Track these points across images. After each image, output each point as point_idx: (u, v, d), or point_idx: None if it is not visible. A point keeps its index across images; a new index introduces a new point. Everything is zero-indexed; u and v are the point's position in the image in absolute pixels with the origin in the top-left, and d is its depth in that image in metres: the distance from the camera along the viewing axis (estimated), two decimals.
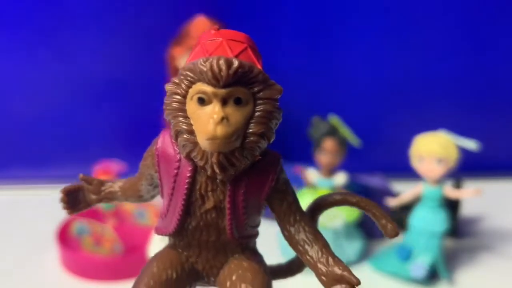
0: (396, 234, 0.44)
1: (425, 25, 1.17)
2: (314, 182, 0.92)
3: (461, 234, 1.02)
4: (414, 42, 1.18)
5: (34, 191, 1.20)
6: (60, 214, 0.98)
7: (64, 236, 0.92)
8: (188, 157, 0.39)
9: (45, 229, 0.97)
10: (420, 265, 0.86)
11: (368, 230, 1.00)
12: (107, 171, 0.94)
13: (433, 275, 0.88)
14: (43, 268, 0.91)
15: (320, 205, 0.46)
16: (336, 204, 0.45)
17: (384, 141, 1.25)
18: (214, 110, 0.36)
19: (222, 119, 0.36)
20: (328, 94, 1.21)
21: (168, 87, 0.39)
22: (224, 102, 0.36)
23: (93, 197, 0.47)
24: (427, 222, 0.87)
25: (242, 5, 1.13)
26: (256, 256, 0.44)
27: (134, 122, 1.19)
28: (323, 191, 0.91)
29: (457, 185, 1.00)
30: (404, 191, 0.93)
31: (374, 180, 1.13)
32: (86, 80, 1.18)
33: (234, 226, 0.41)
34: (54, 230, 0.94)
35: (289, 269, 0.50)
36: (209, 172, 0.38)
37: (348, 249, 0.92)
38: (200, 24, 0.99)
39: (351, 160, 0.96)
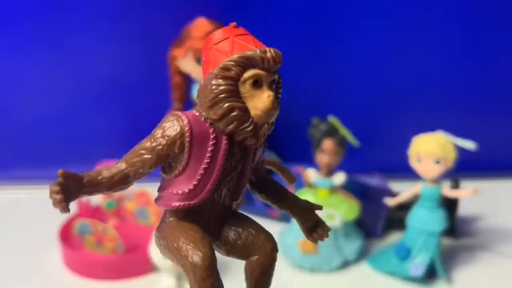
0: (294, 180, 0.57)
1: (423, 27, 1.18)
2: (313, 182, 0.93)
3: (458, 234, 1.03)
4: (412, 43, 1.19)
5: (36, 191, 1.21)
6: (62, 214, 0.99)
7: (66, 236, 0.93)
8: (233, 131, 0.44)
9: (48, 229, 0.98)
10: (418, 264, 0.87)
11: (366, 230, 1.00)
12: None
13: (431, 274, 0.89)
14: (45, 267, 0.92)
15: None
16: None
17: (383, 141, 1.25)
18: (268, 90, 0.44)
19: (273, 97, 0.44)
20: (328, 95, 1.22)
21: (219, 72, 0.44)
22: (269, 85, 0.45)
23: (74, 192, 0.43)
24: (425, 221, 0.88)
25: (242, 7, 1.14)
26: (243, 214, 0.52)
27: (135, 122, 1.19)
28: (322, 190, 0.92)
29: (455, 185, 1.01)
30: (403, 190, 0.94)
31: (373, 180, 1.14)
32: (87, 81, 1.19)
33: (243, 187, 0.49)
34: (56, 229, 0.95)
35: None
36: (253, 142, 0.45)
37: (346, 248, 0.93)
38: (200, 26, 1.00)
39: (350, 160, 0.97)
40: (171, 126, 0.44)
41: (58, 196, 0.40)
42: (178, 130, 0.44)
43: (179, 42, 1.02)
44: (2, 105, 1.21)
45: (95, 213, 0.98)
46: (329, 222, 0.87)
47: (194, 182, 0.45)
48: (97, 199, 0.99)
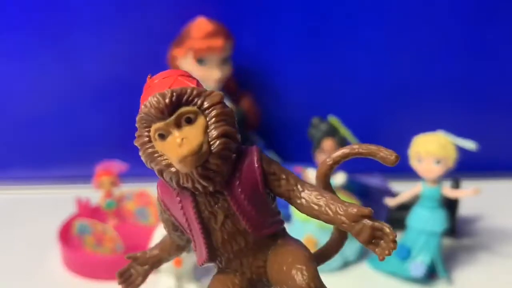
0: (397, 158, 0.45)
1: (423, 26, 1.18)
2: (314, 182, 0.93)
3: (459, 234, 1.03)
4: (413, 42, 1.19)
5: (36, 191, 1.21)
6: (61, 213, 0.99)
7: (66, 236, 0.93)
8: (180, 187, 0.42)
9: (47, 229, 0.97)
10: (419, 264, 0.87)
11: None
12: (109, 172, 0.95)
13: (431, 274, 0.89)
14: (45, 267, 0.92)
15: (326, 171, 0.48)
16: (340, 160, 0.49)
17: (383, 141, 1.24)
18: (173, 136, 0.40)
19: (182, 140, 0.40)
20: (328, 95, 1.22)
21: (136, 143, 0.43)
22: (178, 126, 0.40)
23: (146, 267, 0.51)
24: (425, 221, 0.88)
25: (242, 6, 1.14)
26: (289, 239, 0.47)
27: (135, 122, 1.19)
28: None
29: (456, 185, 1.00)
30: (403, 191, 0.94)
31: (373, 180, 1.14)
32: (87, 81, 1.19)
33: (251, 223, 0.44)
34: (56, 229, 0.95)
35: (328, 252, 0.53)
36: (200, 189, 0.41)
37: (347, 248, 0.92)
38: (200, 25, 1.00)
39: (351, 160, 0.96)
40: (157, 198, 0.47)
41: (121, 286, 0.50)
42: (158, 199, 0.46)
43: (179, 42, 1.02)
44: (2, 105, 1.21)
45: (95, 213, 0.98)
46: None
47: (192, 242, 0.46)
48: (96, 199, 0.98)
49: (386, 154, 0.46)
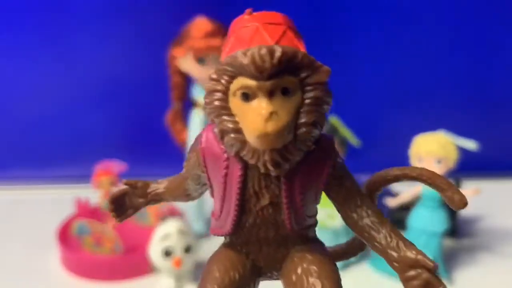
0: (465, 205, 0.38)
1: (424, 26, 1.17)
2: None
3: (460, 234, 1.03)
4: (413, 42, 1.18)
5: (35, 191, 1.21)
6: (60, 214, 0.99)
7: (65, 236, 0.93)
8: (237, 155, 0.36)
9: (46, 229, 0.97)
10: None
11: None
12: (108, 172, 0.95)
13: None
14: (44, 268, 0.91)
15: (377, 183, 0.42)
16: (396, 180, 0.42)
17: (383, 141, 1.25)
18: (261, 105, 0.33)
19: (271, 114, 0.32)
20: None
21: (207, 85, 0.35)
22: (270, 94, 0.33)
23: (140, 200, 0.44)
24: (426, 222, 0.88)
25: (242, 6, 1.13)
26: (317, 245, 0.41)
27: (135, 122, 1.19)
28: None
29: (456, 185, 1.00)
30: (404, 191, 0.94)
31: None
32: (87, 80, 1.19)
33: (293, 219, 0.38)
34: (54, 230, 0.94)
35: (350, 250, 0.47)
36: (262, 170, 0.35)
37: None
38: (200, 25, 1.00)
39: (351, 160, 0.96)
40: (195, 143, 0.39)
41: (112, 213, 0.43)
42: (197, 148, 0.38)
43: (179, 41, 1.02)
44: (2, 105, 1.21)
45: (94, 213, 0.98)
46: (329, 222, 0.87)
47: (219, 208, 0.39)
48: (95, 199, 0.98)
49: (456, 197, 0.38)
